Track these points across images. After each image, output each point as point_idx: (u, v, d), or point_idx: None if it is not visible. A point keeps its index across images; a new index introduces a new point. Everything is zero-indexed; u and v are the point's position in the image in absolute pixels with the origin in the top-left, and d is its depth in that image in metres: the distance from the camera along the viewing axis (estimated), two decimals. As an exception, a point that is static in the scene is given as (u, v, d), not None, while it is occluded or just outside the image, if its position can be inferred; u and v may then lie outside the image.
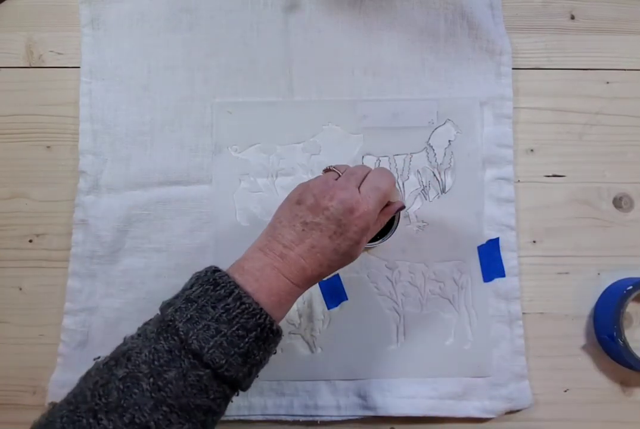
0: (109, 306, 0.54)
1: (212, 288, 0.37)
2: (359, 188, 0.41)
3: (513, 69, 0.58)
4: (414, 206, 0.56)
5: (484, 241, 0.55)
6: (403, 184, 0.56)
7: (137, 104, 0.57)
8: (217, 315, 0.36)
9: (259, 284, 0.38)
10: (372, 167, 0.51)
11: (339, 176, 0.43)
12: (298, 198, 0.41)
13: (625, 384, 0.55)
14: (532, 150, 0.58)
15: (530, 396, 0.53)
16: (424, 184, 0.56)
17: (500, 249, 0.55)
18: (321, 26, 0.58)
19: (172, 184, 0.56)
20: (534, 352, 0.55)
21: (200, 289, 0.37)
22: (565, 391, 0.54)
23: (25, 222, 0.57)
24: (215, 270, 0.39)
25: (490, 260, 0.55)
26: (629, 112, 0.58)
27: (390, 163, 0.56)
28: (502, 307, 0.55)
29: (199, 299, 0.37)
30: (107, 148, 0.56)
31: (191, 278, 0.40)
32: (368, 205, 0.40)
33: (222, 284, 0.37)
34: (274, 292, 0.38)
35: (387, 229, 0.52)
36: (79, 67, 0.58)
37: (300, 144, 0.57)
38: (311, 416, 0.53)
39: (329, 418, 0.53)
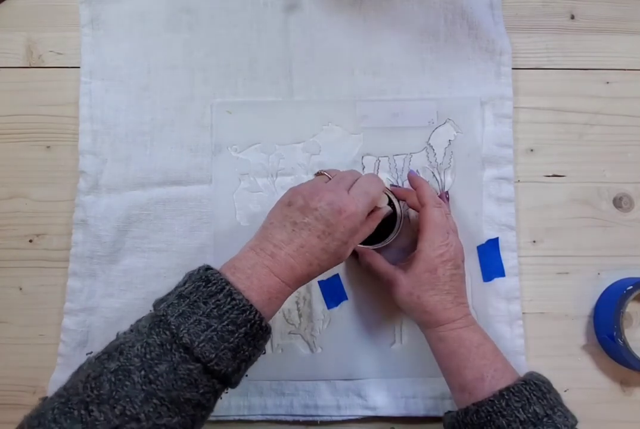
0: (109, 306, 0.54)
1: (203, 285, 0.38)
2: (348, 191, 0.43)
3: (513, 69, 0.58)
4: (414, 206, 0.56)
5: (483, 241, 0.55)
6: (403, 184, 0.56)
7: (137, 104, 0.57)
8: (208, 310, 0.37)
9: (250, 282, 0.39)
10: (370, 171, 0.54)
11: (330, 179, 0.46)
12: (289, 200, 0.43)
13: (625, 384, 0.55)
14: (532, 150, 0.58)
15: (530, 396, 0.53)
16: (424, 184, 0.56)
17: (500, 249, 0.55)
18: (321, 26, 0.58)
19: (172, 184, 0.56)
20: (534, 352, 0.55)
21: (193, 286, 0.38)
22: (565, 391, 0.54)
23: (25, 222, 0.57)
24: (208, 268, 0.40)
25: (490, 260, 0.55)
26: (629, 112, 0.58)
27: (390, 163, 0.56)
28: (502, 307, 0.55)
29: (191, 295, 0.38)
30: (107, 148, 0.56)
31: (184, 277, 0.41)
32: (356, 207, 0.42)
33: (214, 281, 0.38)
34: (265, 290, 0.39)
35: (388, 232, 0.52)
36: (79, 67, 0.57)
37: (300, 144, 0.57)
38: (311, 416, 0.53)
39: (329, 418, 0.53)
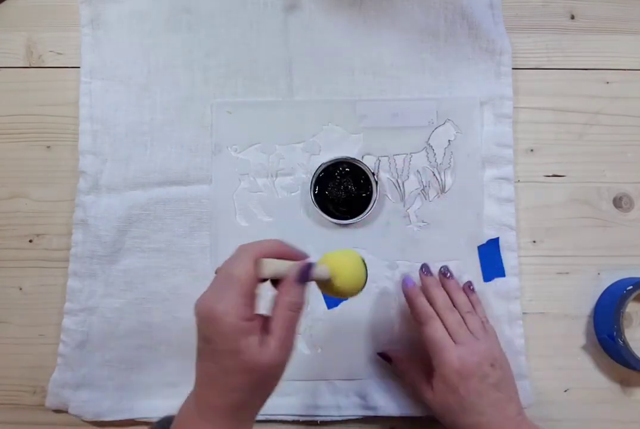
0: (109, 306, 0.54)
1: None
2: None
3: (513, 69, 0.58)
4: (414, 206, 0.56)
5: (484, 241, 0.55)
6: (403, 183, 0.56)
7: (137, 104, 0.57)
8: None
9: None
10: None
11: None
12: None
13: (625, 384, 0.55)
14: (532, 150, 0.58)
15: (530, 395, 0.53)
16: (424, 184, 0.56)
17: (500, 249, 0.55)
18: (321, 26, 0.58)
19: (171, 184, 0.56)
20: (534, 352, 0.55)
21: None
22: (565, 391, 0.54)
23: (25, 222, 0.57)
24: None
25: (490, 260, 0.55)
26: (629, 112, 0.58)
27: (390, 163, 0.56)
28: (502, 307, 0.55)
29: None
30: (107, 148, 0.56)
31: None
32: (220, 304, 0.33)
33: None
34: None
35: (364, 205, 0.54)
36: (79, 67, 0.57)
37: (300, 144, 0.57)
38: (311, 416, 0.53)
39: (329, 418, 0.53)
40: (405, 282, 0.51)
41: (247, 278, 0.34)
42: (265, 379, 0.34)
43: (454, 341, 0.45)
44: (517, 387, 0.48)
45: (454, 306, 0.49)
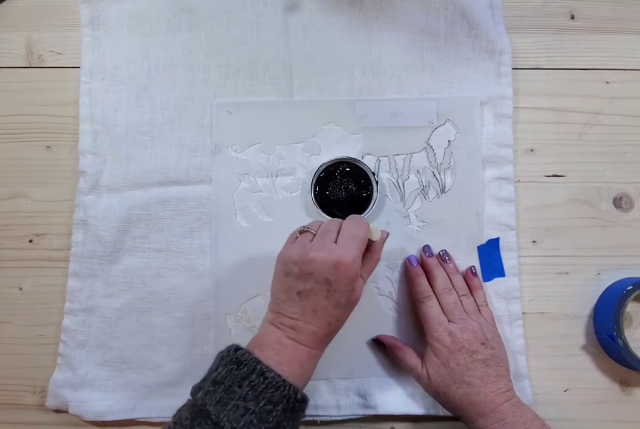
0: (109, 306, 0.54)
1: (235, 367, 0.39)
2: (336, 242, 0.43)
3: (513, 69, 0.58)
4: (414, 206, 0.56)
5: (484, 241, 0.55)
6: (403, 184, 0.56)
7: (137, 104, 0.57)
8: (243, 393, 0.38)
9: (280, 357, 0.41)
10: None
11: (314, 235, 0.45)
12: (284, 270, 0.43)
13: (625, 384, 0.55)
14: (532, 150, 0.58)
15: (530, 395, 0.53)
16: (424, 184, 0.56)
17: (500, 249, 0.55)
18: (321, 26, 0.58)
19: (172, 184, 0.56)
20: (534, 352, 0.55)
21: (225, 369, 0.39)
22: (565, 391, 0.55)
23: (25, 222, 0.57)
24: (237, 348, 0.41)
25: (490, 260, 0.55)
26: (629, 112, 0.58)
27: (390, 163, 0.56)
28: (502, 307, 0.55)
29: (225, 379, 0.39)
30: (107, 148, 0.56)
31: (215, 358, 0.42)
32: (349, 255, 0.42)
33: (245, 362, 0.39)
34: (295, 361, 0.41)
35: (365, 205, 0.54)
36: (79, 67, 0.57)
37: (300, 144, 0.57)
38: (311, 416, 0.53)
39: (329, 418, 0.53)
40: (409, 261, 0.54)
41: (365, 239, 0.45)
42: (351, 312, 0.45)
43: (448, 319, 0.49)
44: (517, 387, 0.48)
45: (452, 287, 0.52)
